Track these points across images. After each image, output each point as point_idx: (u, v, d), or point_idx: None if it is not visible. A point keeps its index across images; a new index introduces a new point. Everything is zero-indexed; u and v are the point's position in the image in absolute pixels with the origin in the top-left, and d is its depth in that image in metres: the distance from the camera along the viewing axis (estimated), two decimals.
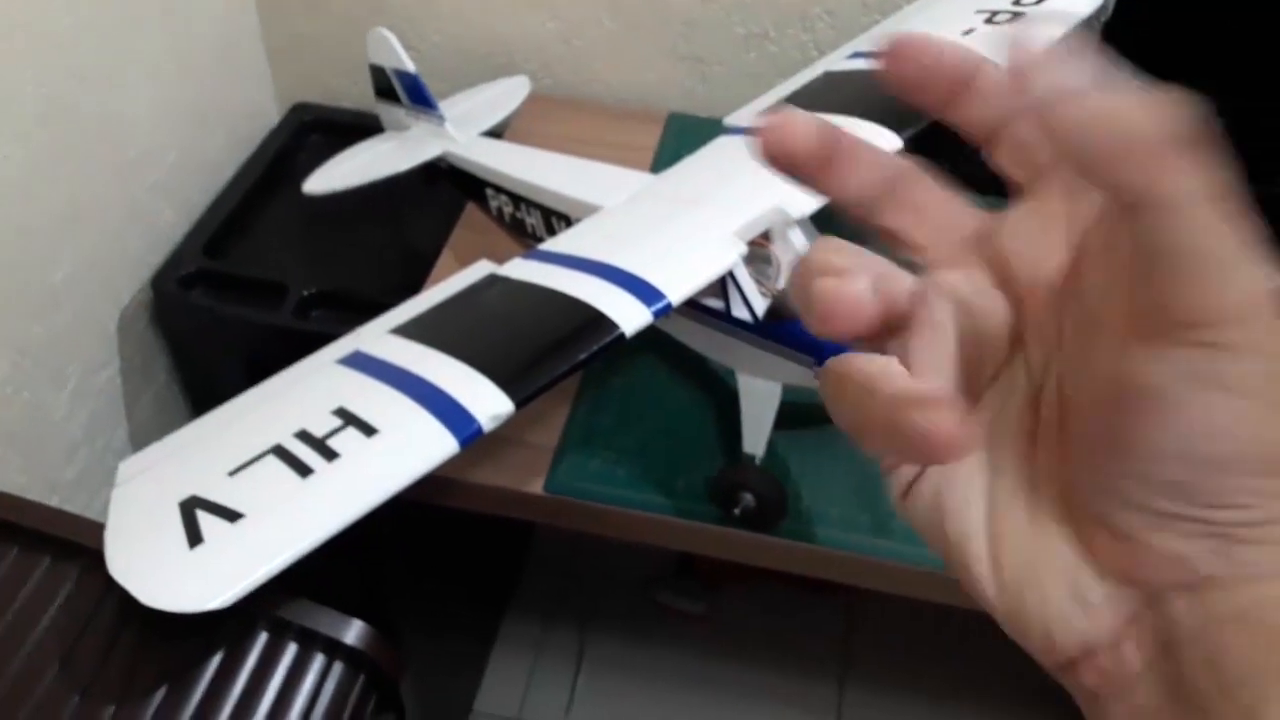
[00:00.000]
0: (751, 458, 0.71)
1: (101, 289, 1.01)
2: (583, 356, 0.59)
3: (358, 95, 1.27)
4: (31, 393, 0.93)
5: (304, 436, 0.57)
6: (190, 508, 0.54)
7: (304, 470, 0.54)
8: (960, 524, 0.23)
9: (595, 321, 0.61)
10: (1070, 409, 0.22)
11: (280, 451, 0.56)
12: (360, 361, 0.63)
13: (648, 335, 0.61)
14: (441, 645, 1.18)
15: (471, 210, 0.98)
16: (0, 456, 0.91)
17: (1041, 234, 0.23)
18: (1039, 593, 0.22)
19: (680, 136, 1.11)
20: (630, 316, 0.61)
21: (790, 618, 1.40)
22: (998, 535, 0.22)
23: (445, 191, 0.99)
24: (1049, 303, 0.22)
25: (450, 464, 0.56)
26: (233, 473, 0.56)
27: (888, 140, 0.73)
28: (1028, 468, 0.23)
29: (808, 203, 0.69)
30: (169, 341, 1.13)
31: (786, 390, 0.70)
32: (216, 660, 0.55)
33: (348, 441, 0.56)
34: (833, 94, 0.84)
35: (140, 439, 1.10)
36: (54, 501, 0.99)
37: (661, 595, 1.40)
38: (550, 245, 0.71)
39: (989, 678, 1.32)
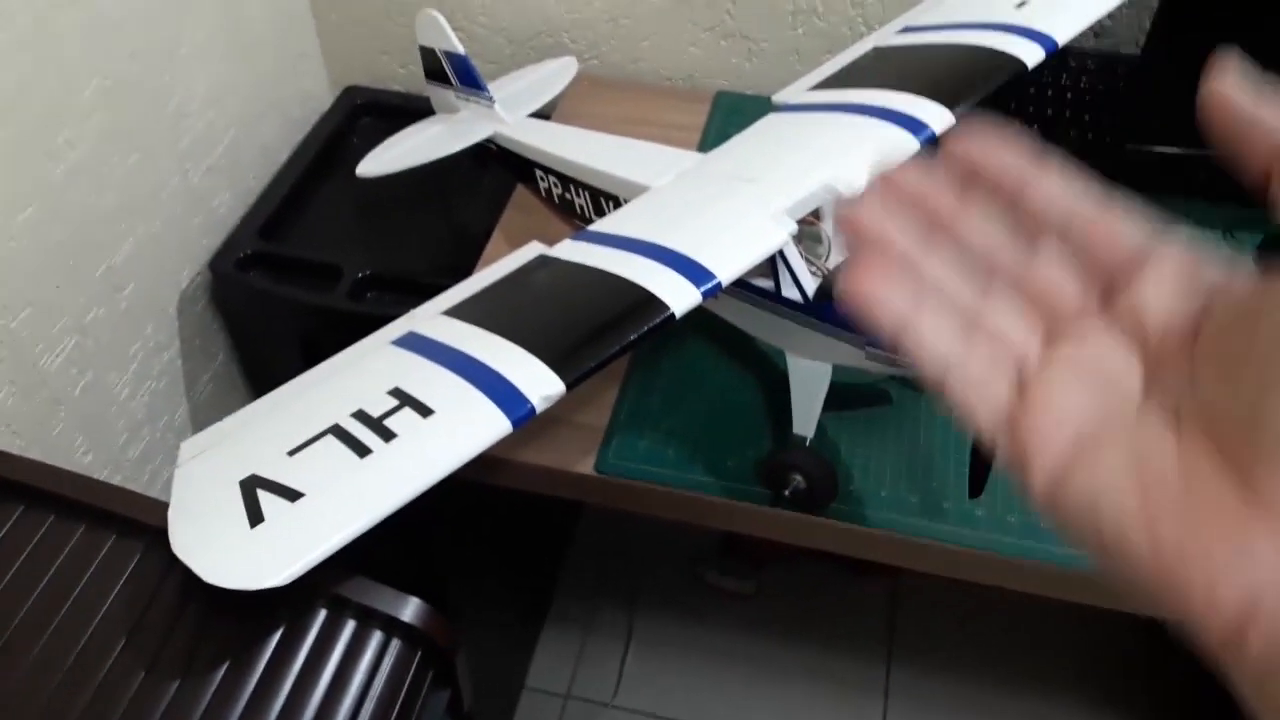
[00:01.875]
0: (802, 439, 0.71)
1: (161, 271, 1.04)
2: (633, 337, 0.59)
3: (407, 78, 1.28)
4: (95, 374, 0.96)
5: (361, 416, 0.57)
6: (251, 487, 0.55)
7: (362, 450, 0.55)
8: (1113, 494, 0.23)
9: (645, 302, 0.61)
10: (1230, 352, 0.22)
11: (338, 431, 0.57)
12: (414, 343, 0.64)
13: (696, 316, 0.61)
14: (493, 623, 1.19)
15: (521, 191, 0.99)
16: (66, 436, 0.93)
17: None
18: (1201, 545, 0.21)
19: (728, 115, 1.10)
20: (680, 297, 0.60)
21: (837, 597, 1.40)
22: (1153, 496, 0.22)
23: (495, 173, 1.00)
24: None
25: (501, 443, 0.56)
26: (292, 452, 0.57)
27: (941, 116, 0.72)
28: (1186, 402, 0.23)
29: (860, 179, 0.68)
30: (227, 322, 1.15)
31: (836, 371, 0.70)
32: (277, 637, 0.56)
33: (404, 421, 0.56)
34: (882, 70, 0.82)
35: (200, 418, 1.13)
36: (118, 480, 1.01)
37: (709, 575, 1.40)
38: (599, 226, 0.71)
39: (1035, 658, 1.31)
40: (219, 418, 0.65)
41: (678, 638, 1.37)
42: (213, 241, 1.10)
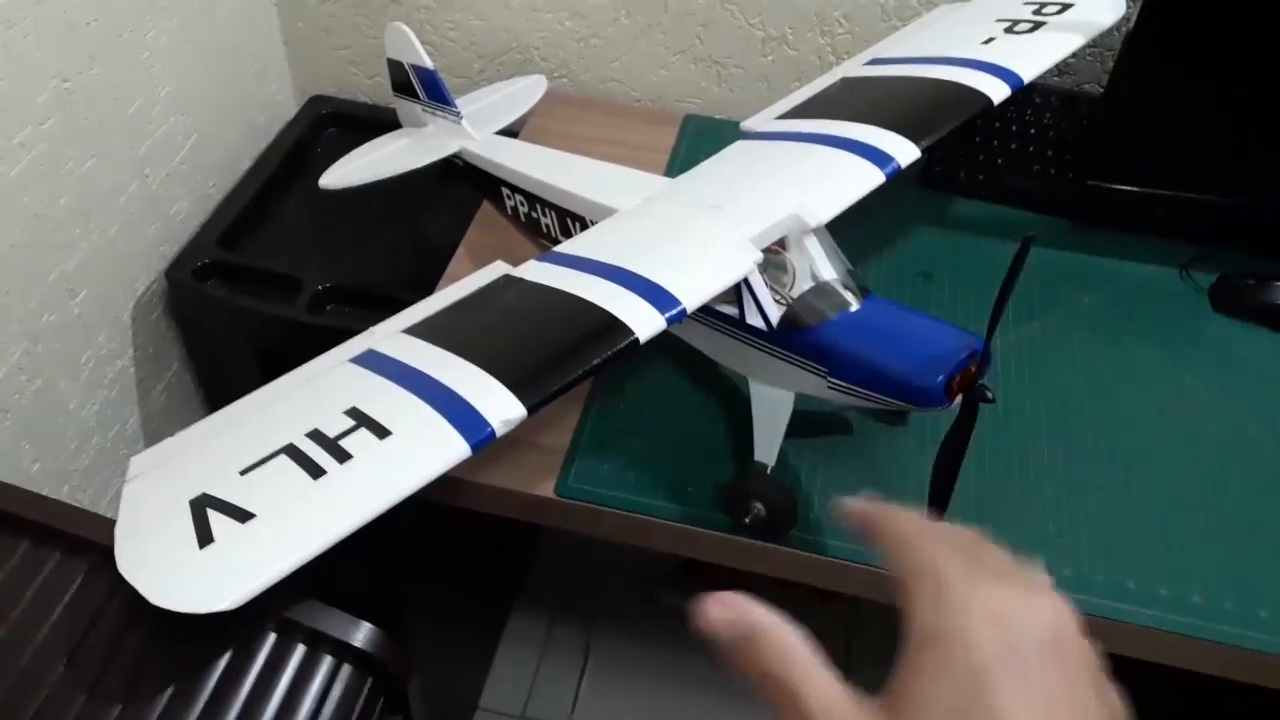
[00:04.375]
0: (763, 466, 0.71)
1: (116, 278, 1.02)
2: (596, 362, 0.59)
3: (373, 89, 1.27)
4: (45, 381, 0.93)
5: (316, 436, 0.56)
6: (201, 506, 0.54)
7: (316, 471, 0.54)
8: None
9: (609, 327, 0.60)
10: None
11: (292, 451, 0.56)
12: (373, 361, 0.63)
13: (660, 339, 0.61)
14: (448, 642, 1.18)
15: (486, 209, 0.98)
16: (13, 445, 0.91)
17: None
18: None
19: (696, 138, 1.10)
20: (644, 322, 0.60)
21: (794, 620, 1.40)
22: None
23: (460, 189, 0.99)
24: None
25: (461, 465, 0.56)
26: (244, 471, 0.56)
27: (907, 150, 0.72)
28: None
29: (824, 211, 0.69)
30: (182, 332, 1.13)
31: (798, 399, 0.70)
32: (224, 660, 0.55)
33: (360, 442, 0.55)
34: (850, 101, 0.83)
35: (152, 428, 1.10)
36: (65, 490, 0.99)
37: (665, 596, 1.39)
38: (565, 248, 0.70)
39: None
40: (171, 428, 0.63)
41: (634, 658, 1.36)
42: (170, 249, 1.08)
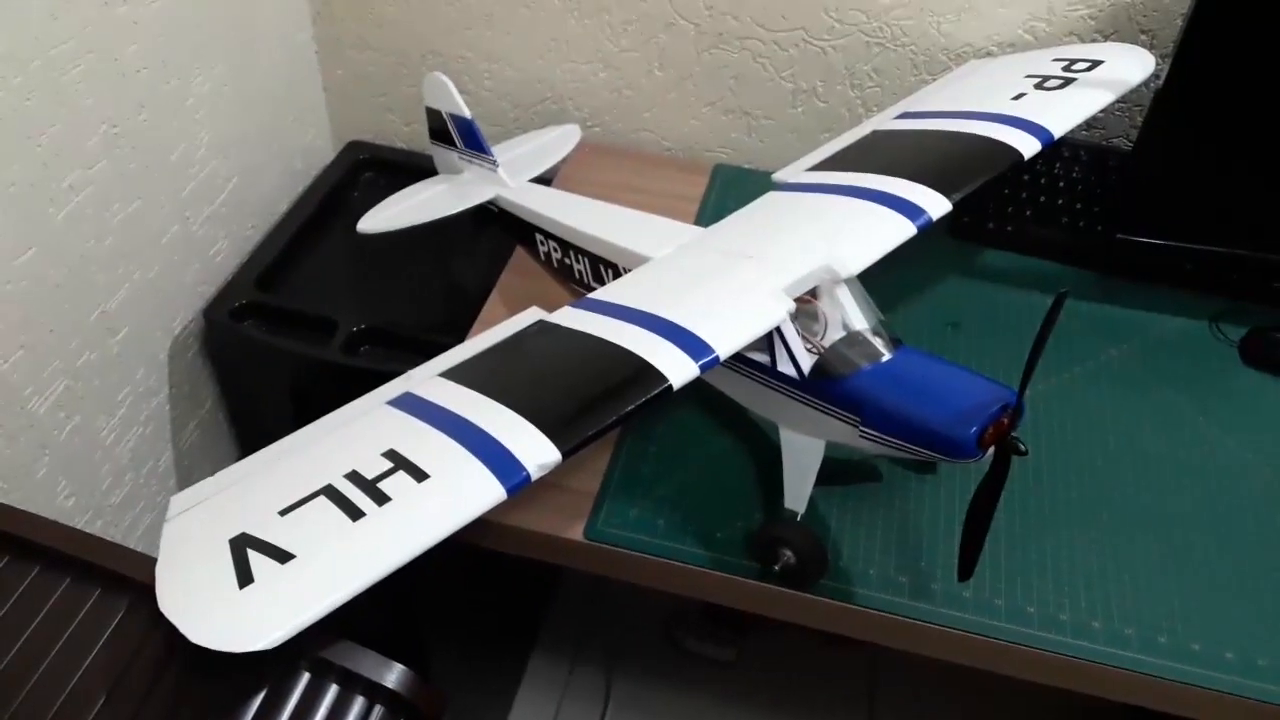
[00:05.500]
0: (793, 514, 0.71)
1: (155, 318, 1.04)
2: (630, 408, 0.60)
3: (410, 135, 1.29)
4: (83, 418, 0.95)
5: (355, 478, 0.57)
6: (241, 546, 0.55)
7: (355, 513, 0.55)
8: None
9: (643, 373, 0.61)
10: None
11: (331, 492, 0.57)
12: (411, 404, 0.64)
13: (691, 385, 0.61)
14: (468, 685, 1.18)
15: (520, 254, 1.00)
16: (49, 480, 0.92)
17: None
18: None
19: (726, 187, 1.12)
20: (678, 369, 0.61)
21: (817, 666, 1.39)
22: None
23: (493, 234, 1.01)
24: None
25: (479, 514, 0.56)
26: (284, 512, 0.57)
27: (938, 204, 0.73)
28: None
29: (856, 262, 0.70)
30: (217, 371, 1.15)
31: (828, 447, 0.70)
32: (259, 699, 0.55)
33: (398, 485, 0.56)
34: (881, 154, 0.84)
35: (185, 465, 1.12)
36: (98, 525, 1.00)
37: (688, 641, 1.39)
38: (600, 295, 0.72)
39: None
40: (203, 465, 0.64)
41: (655, 703, 1.35)
42: (208, 289, 1.10)
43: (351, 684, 0.57)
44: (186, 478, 1.11)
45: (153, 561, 0.56)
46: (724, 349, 0.63)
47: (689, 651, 1.38)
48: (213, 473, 0.62)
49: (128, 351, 1.00)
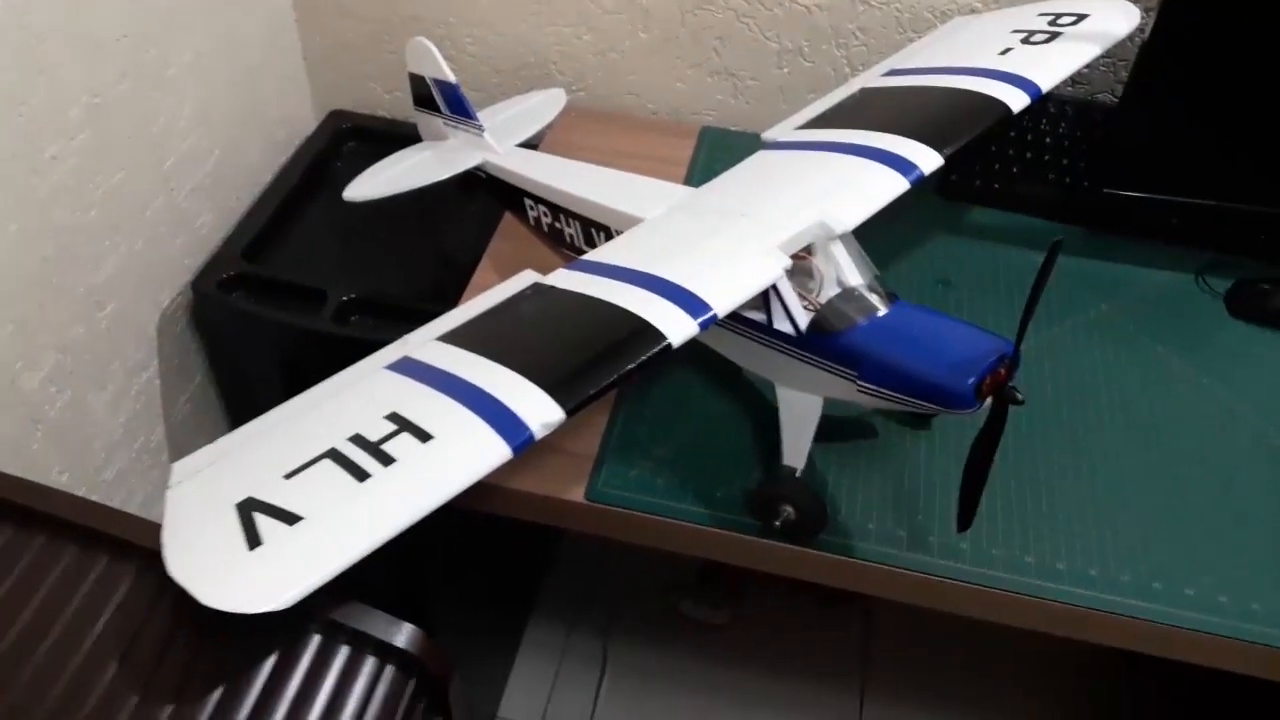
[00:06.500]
0: (791, 470, 0.72)
1: (143, 290, 1.03)
2: (630, 366, 0.60)
3: (392, 103, 1.28)
4: (74, 392, 0.94)
5: (359, 441, 0.57)
6: (248, 510, 0.55)
7: (361, 474, 0.55)
8: None
9: (642, 331, 0.61)
10: None
11: (336, 455, 0.57)
12: (410, 368, 0.64)
13: (687, 347, 0.62)
14: (467, 651, 1.18)
15: (509, 220, 0.99)
16: (42, 456, 0.92)
17: None
18: None
19: (713, 150, 1.12)
20: (677, 327, 0.61)
21: (811, 627, 1.40)
22: None
23: (480, 200, 1.00)
24: None
25: (494, 470, 0.56)
26: (289, 475, 0.57)
27: (929, 158, 0.74)
28: None
29: (850, 218, 0.70)
30: (207, 343, 1.14)
31: (826, 404, 0.71)
32: (271, 662, 0.56)
33: (403, 446, 0.56)
34: (870, 111, 0.84)
35: (176, 439, 1.11)
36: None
37: (684, 605, 1.40)
38: (595, 256, 0.72)
39: (1007, 688, 1.33)
40: (195, 440, 0.64)
41: (652, 667, 1.37)
42: (195, 261, 1.09)
43: (361, 645, 0.57)
44: (178, 452, 1.11)
45: (158, 528, 0.56)
46: (722, 306, 0.63)
47: (685, 615, 1.40)
48: (204, 446, 0.62)
49: (116, 325, 0.99)
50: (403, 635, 0.58)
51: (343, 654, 0.57)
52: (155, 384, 1.07)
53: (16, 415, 0.88)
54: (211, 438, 0.63)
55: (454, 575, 1.05)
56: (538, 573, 1.44)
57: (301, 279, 1.07)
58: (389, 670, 0.57)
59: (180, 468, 0.62)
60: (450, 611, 1.03)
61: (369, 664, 0.57)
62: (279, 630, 0.56)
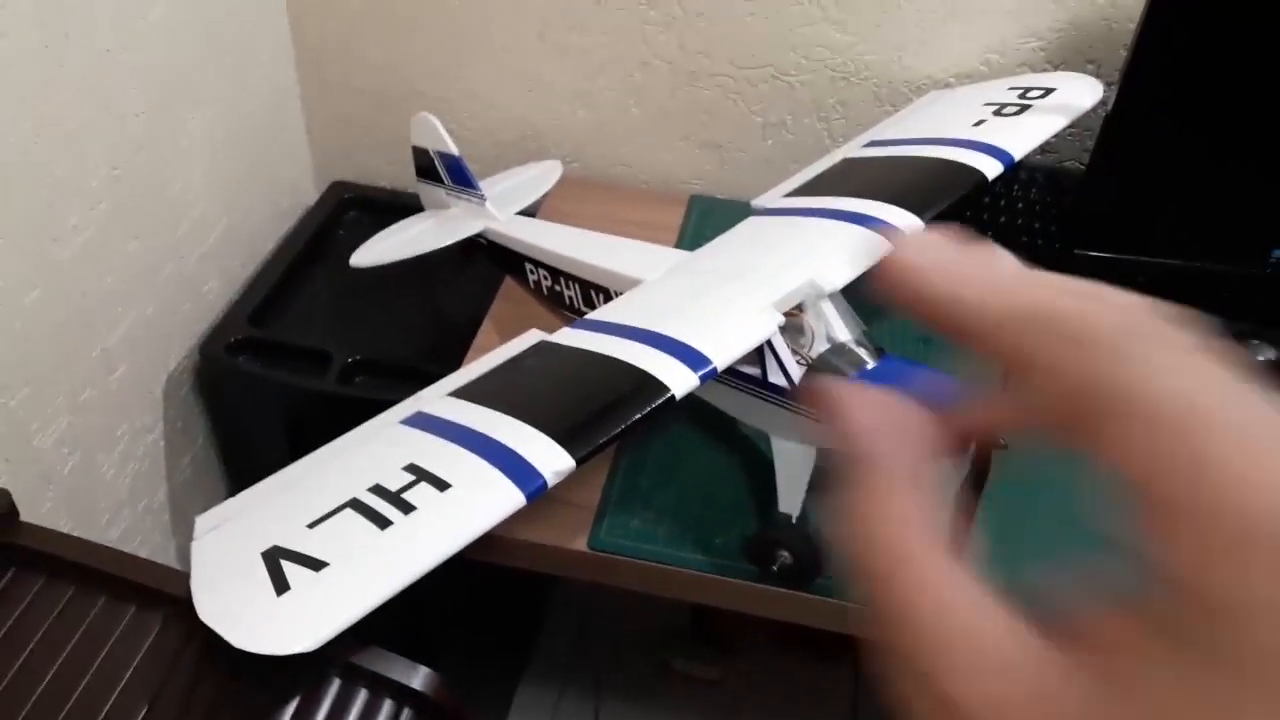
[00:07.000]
0: (787, 517, 0.75)
1: (151, 355, 1.06)
2: (636, 417, 0.63)
3: (392, 174, 1.33)
4: (84, 453, 0.97)
5: (379, 491, 0.60)
6: (274, 557, 0.57)
7: (383, 522, 0.58)
8: None
9: (646, 384, 0.65)
10: None
11: (357, 504, 0.60)
12: (424, 422, 0.67)
13: (686, 401, 0.65)
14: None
15: (509, 283, 1.03)
16: (53, 514, 0.94)
17: None
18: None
19: (702, 217, 1.16)
20: (679, 380, 0.65)
21: (802, 682, 1.42)
22: None
23: (479, 265, 1.05)
24: None
25: (503, 520, 0.59)
26: (312, 525, 0.59)
27: (911, 223, 0.78)
28: None
29: (840, 277, 0.74)
30: (210, 406, 1.17)
31: (819, 454, 0.74)
32: (293, 706, 0.58)
33: (422, 495, 0.59)
34: (854, 179, 0.89)
35: (178, 499, 1.13)
36: None
37: (675, 661, 1.41)
38: (597, 315, 0.76)
39: None
40: (196, 501, 0.66)
41: None
42: (202, 326, 1.12)
43: (380, 688, 0.60)
44: (180, 511, 1.13)
45: (186, 576, 0.58)
46: (721, 360, 0.67)
47: (676, 671, 1.41)
48: (205, 508, 0.64)
49: (125, 388, 1.02)
50: (419, 678, 0.60)
51: (362, 697, 0.59)
52: (160, 445, 1.10)
53: (31, 474, 0.90)
54: (211, 497, 0.65)
55: (448, 633, 1.06)
56: (528, 633, 1.45)
57: (307, 342, 1.10)
58: (406, 713, 0.59)
59: (203, 520, 0.64)
60: (444, 670, 1.04)
61: (387, 706, 0.59)
62: (300, 674, 0.59)
